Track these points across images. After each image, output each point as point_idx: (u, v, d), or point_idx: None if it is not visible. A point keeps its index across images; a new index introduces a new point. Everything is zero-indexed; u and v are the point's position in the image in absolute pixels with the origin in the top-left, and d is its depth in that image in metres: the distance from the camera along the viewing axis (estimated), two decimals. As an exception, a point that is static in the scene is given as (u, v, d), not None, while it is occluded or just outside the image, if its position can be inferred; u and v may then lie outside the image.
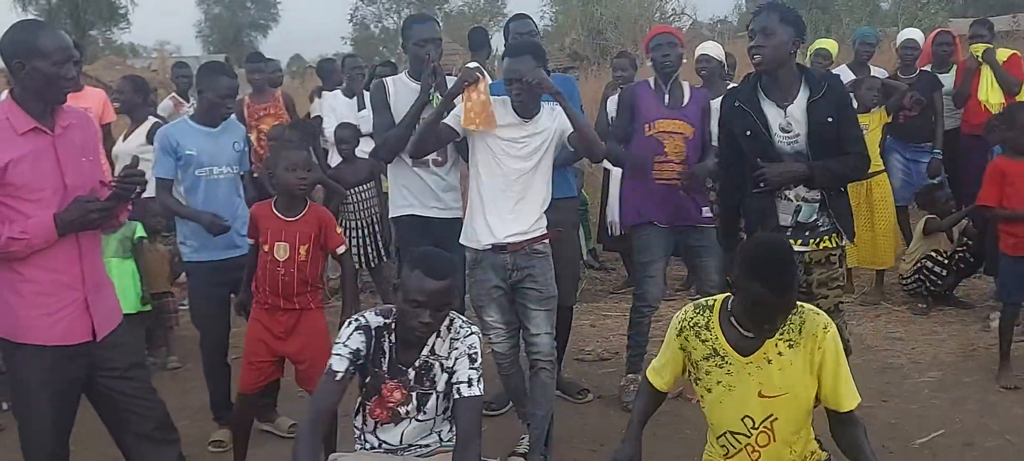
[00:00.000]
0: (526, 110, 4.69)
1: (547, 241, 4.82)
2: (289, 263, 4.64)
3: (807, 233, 4.59)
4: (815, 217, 4.59)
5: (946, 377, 6.09)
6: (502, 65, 4.97)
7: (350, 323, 3.57)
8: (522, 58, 4.65)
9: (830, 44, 8.80)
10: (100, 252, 3.86)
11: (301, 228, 4.66)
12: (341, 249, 4.81)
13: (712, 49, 7.05)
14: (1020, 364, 6.16)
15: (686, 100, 5.72)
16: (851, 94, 7.77)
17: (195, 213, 5.17)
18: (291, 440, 5.34)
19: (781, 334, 3.25)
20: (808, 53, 8.74)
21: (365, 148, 7.45)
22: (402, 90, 5.26)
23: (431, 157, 5.24)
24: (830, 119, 4.49)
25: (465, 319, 3.67)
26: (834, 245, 4.64)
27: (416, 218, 5.34)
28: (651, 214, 5.69)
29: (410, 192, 5.35)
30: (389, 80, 5.39)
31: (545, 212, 4.80)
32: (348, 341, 3.52)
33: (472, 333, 3.61)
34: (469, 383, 3.53)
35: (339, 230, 4.91)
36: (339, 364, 3.49)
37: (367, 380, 3.60)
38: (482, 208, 4.73)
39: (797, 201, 4.57)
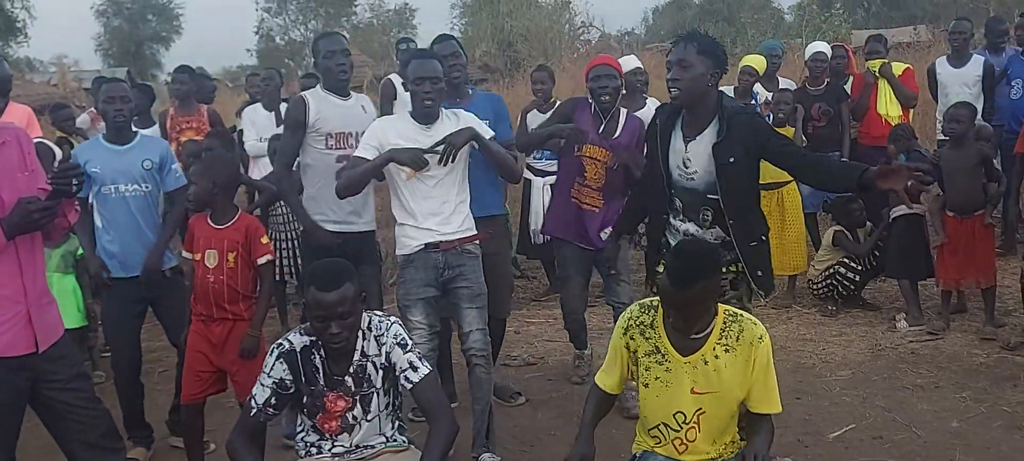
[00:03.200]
0: (428, 115, 4.83)
1: (478, 243, 4.97)
2: (218, 271, 4.70)
3: None
4: None
5: (856, 375, 6.34)
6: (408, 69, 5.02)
7: (273, 351, 3.61)
8: (430, 61, 4.84)
9: (756, 61, 8.74)
10: (42, 268, 3.88)
11: (229, 235, 4.72)
12: (264, 260, 4.79)
13: (637, 62, 7.50)
14: (925, 362, 6.48)
15: (619, 131, 5.73)
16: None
17: (89, 252, 5.26)
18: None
19: (720, 338, 3.41)
20: (738, 69, 8.75)
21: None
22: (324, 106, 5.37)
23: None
24: (732, 159, 4.30)
25: (380, 313, 3.73)
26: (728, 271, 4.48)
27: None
28: (564, 233, 5.85)
29: (326, 204, 5.33)
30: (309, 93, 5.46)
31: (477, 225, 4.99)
32: (272, 372, 3.58)
33: (393, 323, 3.67)
34: (413, 368, 3.61)
35: (266, 241, 4.89)
36: (260, 396, 3.58)
37: (305, 400, 3.63)
38: (410, 216, 4.85)
39: (685, 235, 4.46)
